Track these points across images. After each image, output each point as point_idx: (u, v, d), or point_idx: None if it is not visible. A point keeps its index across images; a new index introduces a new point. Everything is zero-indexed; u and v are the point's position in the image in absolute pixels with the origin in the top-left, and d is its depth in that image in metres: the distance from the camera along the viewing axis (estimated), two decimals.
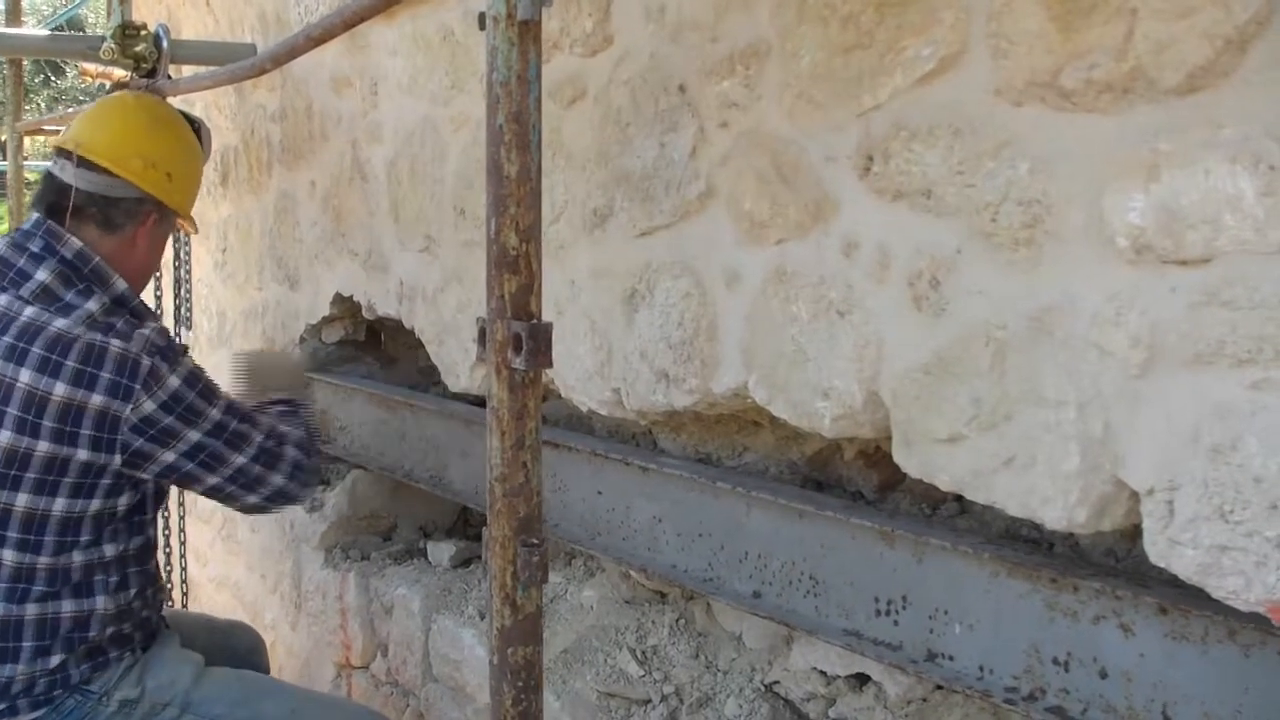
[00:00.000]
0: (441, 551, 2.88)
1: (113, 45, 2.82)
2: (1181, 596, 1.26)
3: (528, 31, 1.25)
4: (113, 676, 2.07)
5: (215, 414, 2.07)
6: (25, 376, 1.94)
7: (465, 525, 3.13)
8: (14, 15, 4.84)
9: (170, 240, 2.90)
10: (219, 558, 4.07)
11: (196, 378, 2.07)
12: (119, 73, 3.20)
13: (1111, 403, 1.23)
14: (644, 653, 2.17)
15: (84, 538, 2.00)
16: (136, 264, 2.17)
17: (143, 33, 2.85)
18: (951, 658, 1.50)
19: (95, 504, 1.99)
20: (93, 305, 2.01)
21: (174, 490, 3.17)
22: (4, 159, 6.48)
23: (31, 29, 7.34)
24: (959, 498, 1.61)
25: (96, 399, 1.94)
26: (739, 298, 1.70)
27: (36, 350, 1.94)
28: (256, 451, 2.14)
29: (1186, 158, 1.13)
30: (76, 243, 2.07)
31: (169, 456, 2.03)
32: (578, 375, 2.07)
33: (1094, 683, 1.34)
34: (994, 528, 1.63)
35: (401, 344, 3.21)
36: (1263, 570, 1.10)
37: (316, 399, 2.90)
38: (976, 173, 1.35)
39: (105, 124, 2.19)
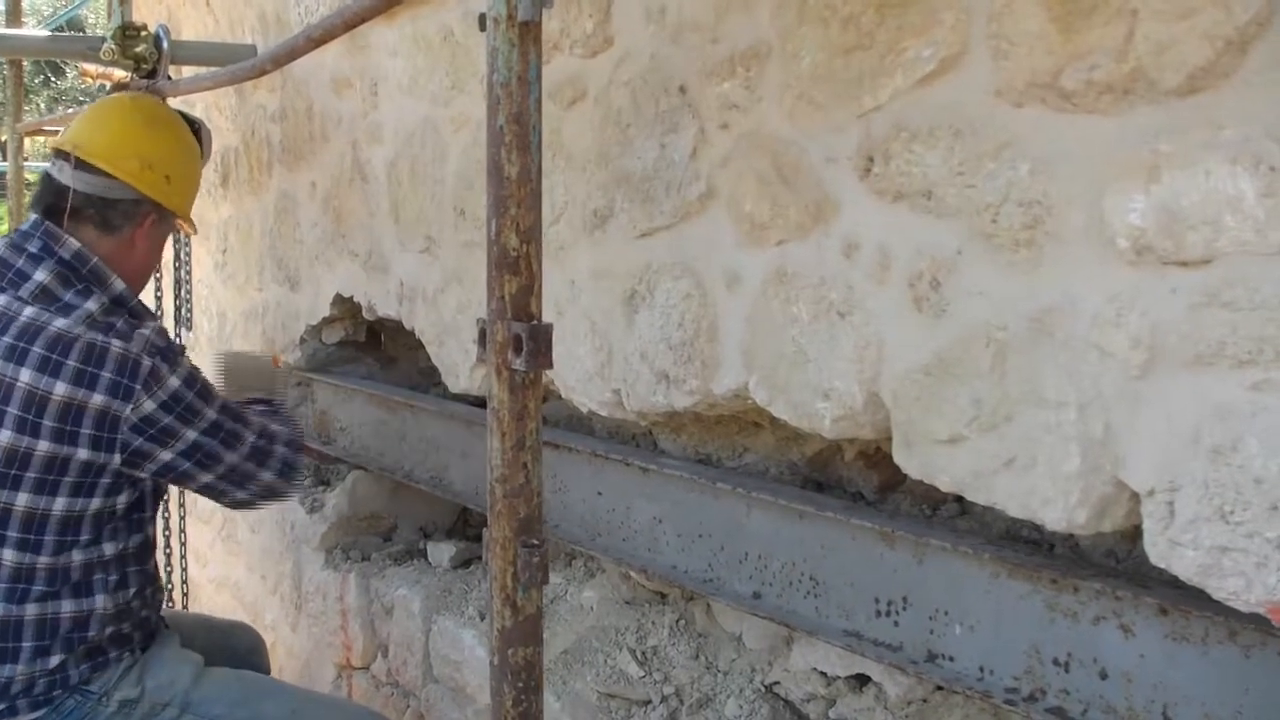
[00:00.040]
0: (442, 552, 2.88)
1: (113, 46, 2.82)
2: (1182, 597, 1.26)
3: (528, 32, 1.25)
4: (112, 677, 2.07)
5: (211, 413, 2.09)
6: (25, 376, 1.94)
7: (465, 526, 3.13)
8: (14, 16, 4.85)
9: (170, 241, 2.91)
10: (219, 558, 4.07)
11: (195, 378, 2.09)
12: (119, 73, 3.19)
13: (1112, 404, 1.23)
14: (644, 653, 2.17)
15: (84, 537, 2.00)
16: (135, 265, 2.18)
17: (143, 33, 2.86)
18: (952, 658, 1.50)
19: (95, 503, 2.00)
20: (92, 305, 2.01)
21: (174, 492, 3.18)
22: (4, 160, 6.48)
23: (32, 29, 7.34)
24: (959, 499, 1.61)
25: (97, 398, 1.94)
26: (739, 299, 1.70)
27: (37, 350, 1.95)
28: (249, 450, 2.17)
29: (1187, 159, 1.13)
30: (75, 243, 2.07)
31: (166, 455, 2.04)
32: (578, 376, 2.07)
33: (1094, 683, 1.34)
34: (994, 529, 1.63)
35: (402, 345, 3.21)
36: (1263, 571, 1.10)
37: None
38: (977, 174, 1.35)
39: (103, 125, 2.19)
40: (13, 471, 1.94)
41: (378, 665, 2.88)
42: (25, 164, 5.30)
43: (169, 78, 2.88)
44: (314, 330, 3.26)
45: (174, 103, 2.80)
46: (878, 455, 1.79)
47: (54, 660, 1.99)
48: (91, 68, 4.41)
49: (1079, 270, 1.25)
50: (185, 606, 3.55)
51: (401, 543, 3.08)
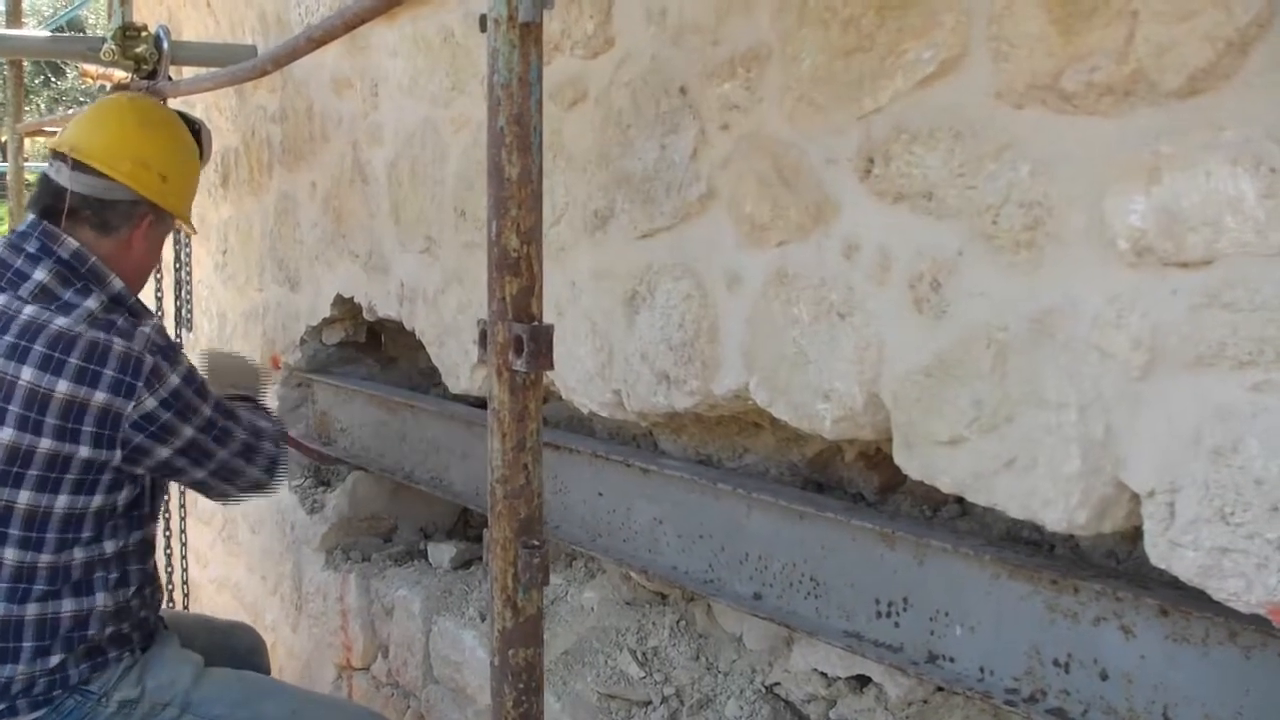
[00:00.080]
0: (442, 553, 2.88)
1: (113, 46, 2.82)
2: (1182, 598, 1.26)
3: (529, 33, 1.25)
4: (112, 677, 2.07)
5: (207, 411, 2.12)
6: (27, 374, 1.94)
7: (466, 527, 3.13)
8: (14, 16, 4.85)
9: (170, 241, 2.91)
10: (219, 559, 4.07)
11: (193, 376, 2.11)
12: (119, 74, 3.19)
13: (1112, 405, 1.23)
14: (645, 654, 2.17)
15: (85, 534, 2.01)
16: (133, 265, 2.18)
17: (143, 34, 2.86)
18: (952, 659, 1.50)
19: (97, 500, 2.00)
20: (92, 304, 2.02)
21: (175, 493, 3.18)
22: (4, 160, 6.49)
23: (32, 30, 7.34)
24: (960, 500, 1.61)
25: (99, 396, 1.95)
26: (740, 300, 1.70)
27: (38, 348, 1.95)
28: (240, 447, 2.21)
29: (1187, 160, 1.13)
30: (73, 243, 2.07)
31: (165, 452, 2.05)
32: (579, 377, 2.07)
33: (1095, 684, 1.34)
34: (995, 530, 1.63)
35: (402, 345, 3.21)
36: (1263, 572, 1.10)
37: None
38: (977, 175, 1.35)
39: (100, 126, 2.20)
40: (14, 470, 1.94)
41: (378, 666, 2.88)
42: (25, 164, 5.30)
43: (169, 78, 2.88)
44: (314, 331, 3.26)
45: (174, 103, 2.80)
46: (878, 456, 1.79)
47: (54, 660, 1.99)
48: (92, 68, 4.41)
49: (1080, 271, 1.25)
50: (185, 607, 3.55)
51: (402, 543, 3.08)
